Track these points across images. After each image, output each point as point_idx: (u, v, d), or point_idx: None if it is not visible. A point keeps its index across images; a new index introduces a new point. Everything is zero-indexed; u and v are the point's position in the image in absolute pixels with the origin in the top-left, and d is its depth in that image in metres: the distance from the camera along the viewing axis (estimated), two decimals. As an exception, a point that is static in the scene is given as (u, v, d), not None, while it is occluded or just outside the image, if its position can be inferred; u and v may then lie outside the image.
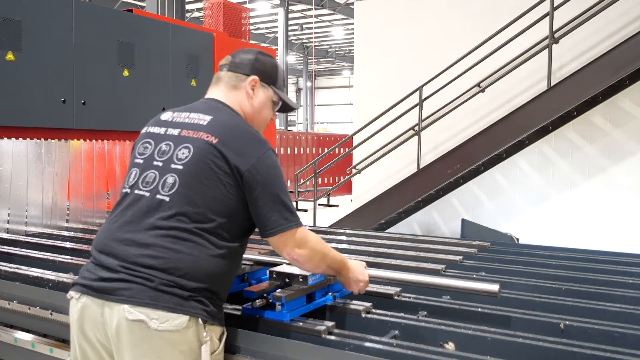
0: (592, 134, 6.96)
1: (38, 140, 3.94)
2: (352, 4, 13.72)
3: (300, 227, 1.82)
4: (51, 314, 2.31)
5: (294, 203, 13.05)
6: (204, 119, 1.85)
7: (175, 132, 1.85)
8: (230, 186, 1.74)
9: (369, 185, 8.27)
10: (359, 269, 2.08)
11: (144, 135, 1.94)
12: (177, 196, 1.72)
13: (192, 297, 1.67)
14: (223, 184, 1.73)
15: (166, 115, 1.96)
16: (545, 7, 6.30)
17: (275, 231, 1.77)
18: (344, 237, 3.91)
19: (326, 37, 30.95)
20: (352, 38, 11.58)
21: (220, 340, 1.76)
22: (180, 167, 1.75)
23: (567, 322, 1.96)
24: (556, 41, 6.31)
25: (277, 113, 2.14)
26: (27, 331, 2.46)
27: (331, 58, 35.84)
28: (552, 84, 6.27)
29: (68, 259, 2.91)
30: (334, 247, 3.48)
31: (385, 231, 7.05)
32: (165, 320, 1.62)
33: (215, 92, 2.01)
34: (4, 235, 3.69)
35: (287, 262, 2.33)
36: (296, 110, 2.20)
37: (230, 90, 1.98)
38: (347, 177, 8.38)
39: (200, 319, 1.67)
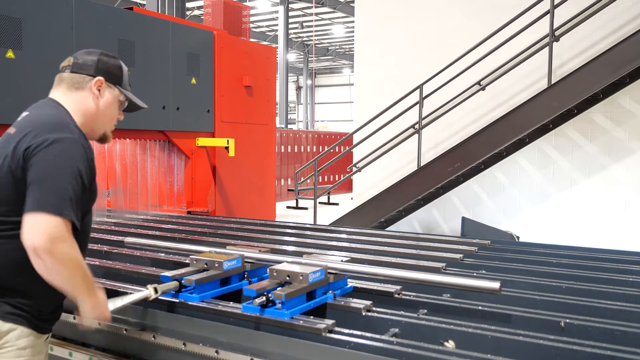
0: (592, 132, 6.96)
1: (38, 139, 3.93)
2: (353, 2, 13.71)
3: (62, 220, 1.68)
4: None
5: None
6: (23, 115, 1.92)
7: (10, 130, 1.91)
8: (12, 171, 1.76)
9: (369, 183, 8.26)
10: (103, 302, 1.91)
11: None
12: None
13: None
14: (8, 170, 1.77)
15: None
16: (545, 5, 6.29)
17: (28, 209, 1.68)
18: (344, 235, 3.92)
19: (326, 35, 30.91)
20: (353, 36, 11.56)
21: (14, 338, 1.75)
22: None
23: (567, 320, 1.96)
24: (557, 39, 6.30)
25: (125, 113, 2.17)
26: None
27: (331, 56, 35.80)
28: (552, 82, 6.26)
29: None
30: (334, 245, 3.51)
31: (386, 229, 7.04)
32: None
33: (56, 92, 2.00)
34: None
35: (288, 260, 2.33)
36: (143, 108, 2.22)
37: (72, 91, 1.97)
38: (347, 175, 8.38)
39: None
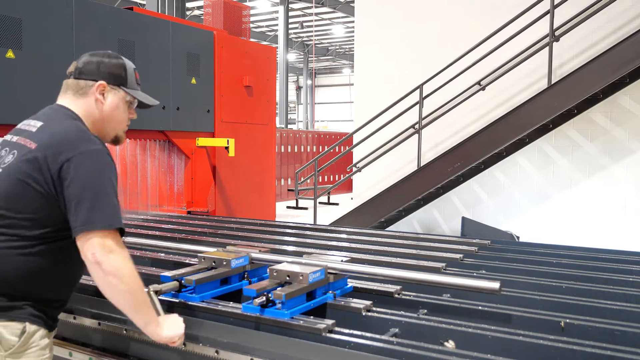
0: (592, 132, 6.96)
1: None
2: (353, 2, 13.71)
3: (114, 231, 1.77)
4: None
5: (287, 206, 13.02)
6: (36, 125, 1.90)
7: (15, 139, 1.91)
8: (39, 187, 1.78)
9: (369, 183, 8.26)
10: (172, 325, 1.92)
11: (1, 141, 2.00)
12: None
13: None
14: (31, 185, 1.77)
15: (22, 123, 1.99)
16: (545, 5, 6.29)
17: (80, 228, 1.74)
18: (344, 235, 3.92)
19: (326, 35, 30.91)
20: (353, 36, 11.56)
21: (20, 337, 1.78)
22: (1, 170, 1.84)
23: (567, 320, 1.96)
24: (557, 39, 6.30)
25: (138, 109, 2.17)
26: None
27: (331, 56, 35.80)
28: (552, 82, 6.26)
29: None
30: (334, 245, 3.51)
31: (386, 229, 7.04)
32: None
33: (64, 99, 2.00)
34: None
35: (288, 260, 2.34)
36: (154, 106, 2.26)
37: (78, 98, 1.97)
38: (347, 175, 8.38)
39: None
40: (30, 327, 1.80)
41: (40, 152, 1.79)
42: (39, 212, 1.79)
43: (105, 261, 1.73)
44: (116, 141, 2.09)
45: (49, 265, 1.84)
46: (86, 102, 1.97)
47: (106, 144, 1.99)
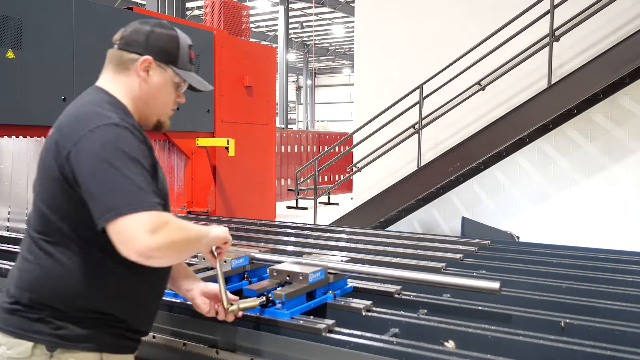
0: (592, 132, 6.96)
1: (38, 138, 3.94)
2: (353, 2, 13.71)
3: (141, 211, 1.39)
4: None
5: (300, 199, 13.00)
6: (64, 111, 1.65)
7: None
8: (62, 180, 1.50)
9: (369, 183, 8.26)
10: (217, 229, 1.86)
11: None
12: (34, 202, 1.60)
13: (40, 319, 1.50)
14: (55, 179, 1.51)
15: None
16: (545, 5, 6.29)
17: (102, 221, 1.40)
18: (344, 235, 3.92)
19: (326, 35, 30.92)
20: (353, 36, 11.56)
21: None
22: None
23: (567, 320, 1.96)
24: (557, 39, 6.30)
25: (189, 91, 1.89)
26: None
27: (331, 56, 35.81)
28: (552, 82, 6.26)
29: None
30: (333, 245, 3.51)
31: (386, 229, 7.04)
32: (11, 347, 1.50)
33: (103, 75, 1.72)
34: (4, 233, 3.70)
35: (288, 260, 2.34)
36: (208, 90, 1.93)
37: (118, 73, 1.68)
38: (347, 175, 8.38)
39: (45, 346, 1.49)
40: (108, 357, 1.57)
41: (54, 136, 1.54)
42: (71, 212, 1.52)
43: (144, 251, 1.38)
44: (159, 127, 1.80)
45: (97, 277, 1.54)
46: (127, 78, 1.67)
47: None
